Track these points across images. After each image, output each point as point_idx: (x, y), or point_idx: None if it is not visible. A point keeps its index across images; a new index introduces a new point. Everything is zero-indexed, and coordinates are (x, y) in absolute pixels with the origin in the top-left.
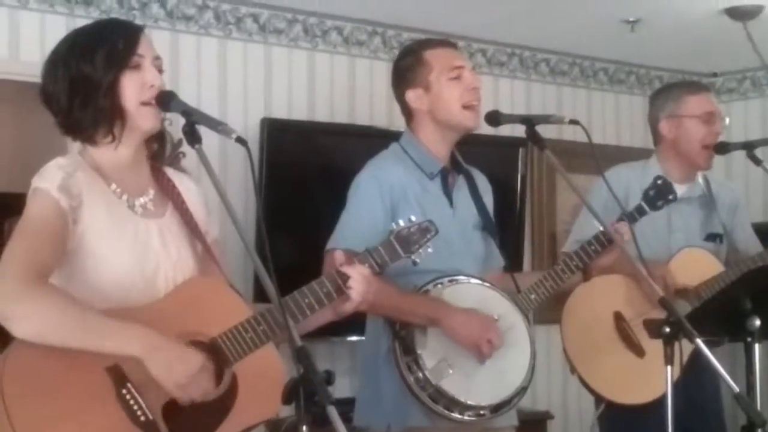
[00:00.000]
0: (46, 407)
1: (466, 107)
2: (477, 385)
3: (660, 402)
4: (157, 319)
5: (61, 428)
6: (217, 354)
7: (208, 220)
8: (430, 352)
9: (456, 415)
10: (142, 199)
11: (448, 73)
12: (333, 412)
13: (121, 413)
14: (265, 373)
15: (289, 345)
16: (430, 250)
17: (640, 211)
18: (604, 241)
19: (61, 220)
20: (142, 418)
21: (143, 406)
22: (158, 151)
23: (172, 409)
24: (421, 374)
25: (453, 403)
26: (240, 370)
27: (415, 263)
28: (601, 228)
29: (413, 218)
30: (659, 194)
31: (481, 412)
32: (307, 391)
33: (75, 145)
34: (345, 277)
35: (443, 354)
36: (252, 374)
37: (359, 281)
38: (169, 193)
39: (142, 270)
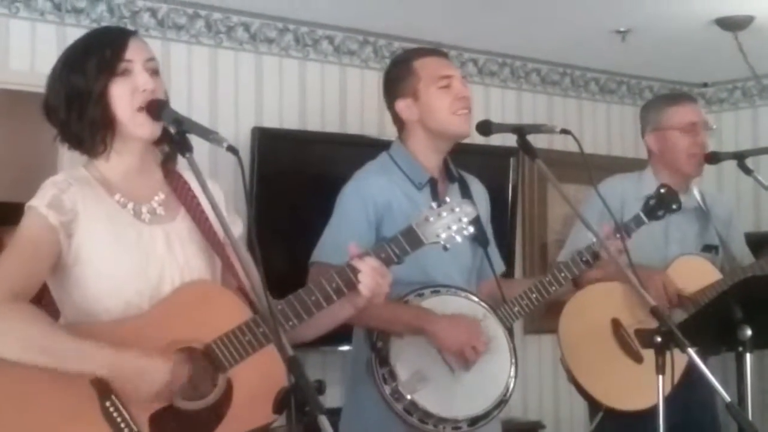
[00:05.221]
0: (28, 422)
1: (455, 115)
2: (452, 398)
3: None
4: (149, 327)
5: None
6: (212, 360)
7: (228, 219)
8: (404, 364)
9: (430, 428)
10: (149, 205)
11: (436, 82)
12: (324, 421)
13: (106, 428)
14: (265, 378)
15: (279, 354)
16: (467, 232)
17: (637, 222)
18: (596, 252)
19: (50, 237)
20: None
21: (128, 418)
22: (170, 154)
23: (160, 418)
24: (396, 386)
25: (427, 416)
26: (237, 375)
27: (445, 248)
28: (595, 239)
29: (448, 200)
30: (661, 203)
31: (458, 425)
32: (298, 400)
33: (66, 154)
34: (355, 271)
35: (418, 366)
36: (250, 379)
37: (369, 275)
38: (183, 196)
39: (147, 277)
